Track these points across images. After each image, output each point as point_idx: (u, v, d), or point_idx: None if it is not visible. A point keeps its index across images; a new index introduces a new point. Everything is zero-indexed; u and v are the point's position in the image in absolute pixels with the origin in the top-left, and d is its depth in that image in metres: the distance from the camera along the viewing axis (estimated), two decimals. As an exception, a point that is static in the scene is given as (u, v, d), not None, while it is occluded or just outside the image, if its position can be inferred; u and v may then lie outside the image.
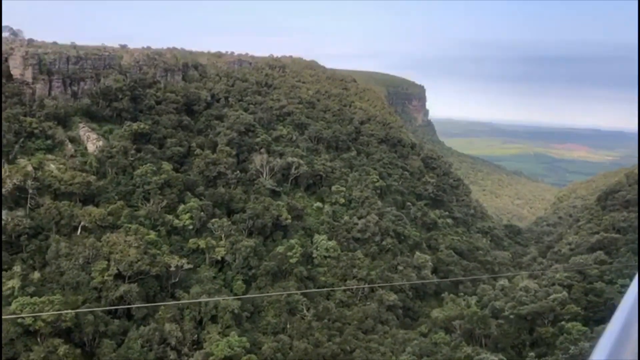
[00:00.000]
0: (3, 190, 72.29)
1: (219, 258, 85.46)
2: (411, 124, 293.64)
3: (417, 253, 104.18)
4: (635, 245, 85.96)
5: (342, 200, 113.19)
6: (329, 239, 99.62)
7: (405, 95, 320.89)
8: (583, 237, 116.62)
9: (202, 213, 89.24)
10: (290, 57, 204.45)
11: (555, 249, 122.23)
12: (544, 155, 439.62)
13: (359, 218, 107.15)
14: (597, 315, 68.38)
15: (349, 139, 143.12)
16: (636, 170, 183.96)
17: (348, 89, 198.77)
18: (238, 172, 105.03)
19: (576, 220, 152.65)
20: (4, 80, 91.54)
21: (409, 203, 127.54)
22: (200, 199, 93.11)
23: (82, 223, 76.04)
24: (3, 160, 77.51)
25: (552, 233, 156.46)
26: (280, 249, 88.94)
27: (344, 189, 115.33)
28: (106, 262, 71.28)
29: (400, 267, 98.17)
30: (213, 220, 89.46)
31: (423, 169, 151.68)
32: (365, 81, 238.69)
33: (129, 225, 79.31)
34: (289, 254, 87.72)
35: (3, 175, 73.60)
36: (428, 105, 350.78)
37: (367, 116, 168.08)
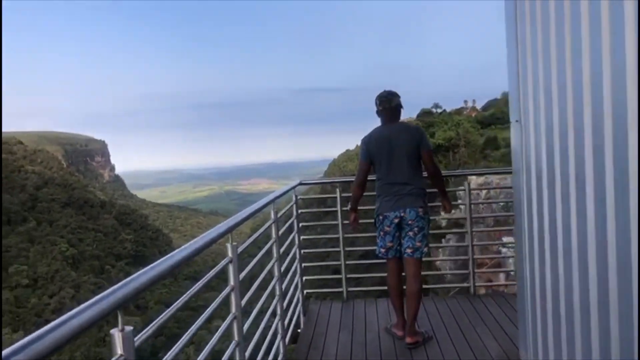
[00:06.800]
0: None
1: None
2: (98, 182, 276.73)
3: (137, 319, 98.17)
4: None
5: (26, 281, 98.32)
6: (15, 331, 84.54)
7: (86, 152, 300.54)
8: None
9: None
10: None
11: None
12: (233, 192, 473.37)
13: (51, 297, 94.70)
14: None
15: (24, 208, 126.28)
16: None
17: (14, 152, 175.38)
18: None
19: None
20: None
21: (108, 266, 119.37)
22: None
23: None
24: None
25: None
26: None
27: (25, 267, 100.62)
28: None
29: (108, 339, 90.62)
30: None
31: (118, 226, 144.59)
32: (36, 142, 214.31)
33: None
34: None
35: None
36: (114, 159, 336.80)
37: (44, 180, 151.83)
